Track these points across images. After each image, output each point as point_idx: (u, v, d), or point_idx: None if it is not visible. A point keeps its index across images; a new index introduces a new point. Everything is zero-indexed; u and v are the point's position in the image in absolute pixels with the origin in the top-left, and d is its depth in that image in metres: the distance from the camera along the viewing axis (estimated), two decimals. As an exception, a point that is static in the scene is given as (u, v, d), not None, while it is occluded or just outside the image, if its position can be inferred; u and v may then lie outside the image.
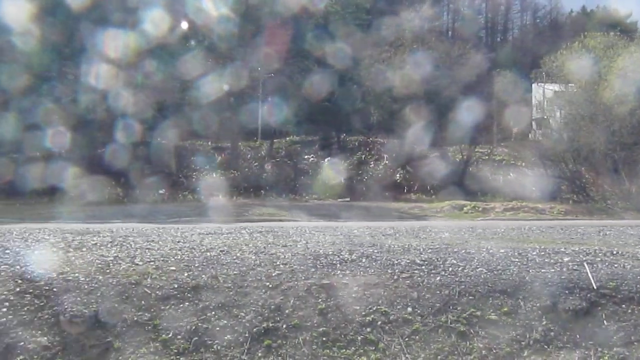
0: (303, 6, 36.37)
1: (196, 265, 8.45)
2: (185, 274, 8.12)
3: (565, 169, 27.23)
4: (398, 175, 32.14)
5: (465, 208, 22.43)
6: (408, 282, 8.11)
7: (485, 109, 32.18)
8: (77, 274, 8.04)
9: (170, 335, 7.05)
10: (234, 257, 8.88)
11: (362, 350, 6.99)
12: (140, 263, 8.48)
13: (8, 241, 10.21)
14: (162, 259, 8.68)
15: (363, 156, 33.61)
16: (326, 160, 33.13)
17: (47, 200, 23.23)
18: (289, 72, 33.19)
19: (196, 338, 7.04)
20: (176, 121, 30.77)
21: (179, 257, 8.79)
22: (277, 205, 24.78)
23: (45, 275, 8.00)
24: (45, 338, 6.97)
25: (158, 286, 7.78)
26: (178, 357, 6.82)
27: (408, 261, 8.81)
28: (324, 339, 7.12)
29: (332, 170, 31.65)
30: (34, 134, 25.07)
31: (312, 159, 33.41)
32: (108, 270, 8.16)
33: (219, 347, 6.93)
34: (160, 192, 29.05)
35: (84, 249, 9.53)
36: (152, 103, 29.76)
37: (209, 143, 34.52)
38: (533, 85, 40.40)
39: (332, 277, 8.17)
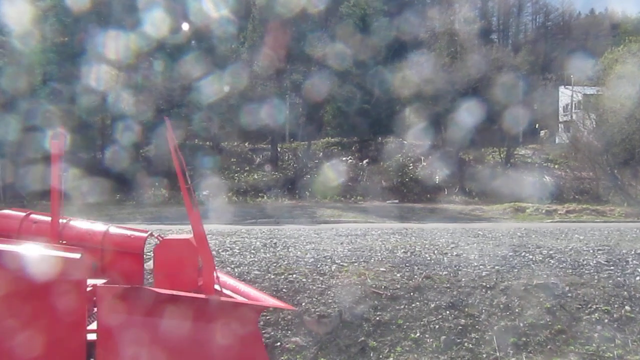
0: (337, 12, 36.79)
1: (400, 266, 8.68)
2: (398, 275, 8.35)
3: (609, 171, 27.80)
4: (437, 177, 32.53)
5: (527, 210, 22.77)
6: (610, 282, 8.43)
7: (513, 112, 32.82)
8: (294, 275, 8.22)
9: (418, 335, 7.28)
10: (426, 258, 9.12)
11: (604, 347, 7.28)
12: (344, 264, 8.68)
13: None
14: (362, 260, 8.90)
15: (401, 158, 33.90)
16: (364, 162, 33.52)
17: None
18: (328, 75, 33.41)
19: (444, 337, 7.27)
20: (211, 124, 30.87)
21: (377, 258, 9.00)
22: (333, 207, 24.94)
23: (264, 276, 8.18)
24: (298, 338, 7.16)
25: (382, 287, 7.99)
26: (436, 355, 7.05)
27: (594, 262, 9.13)
28: (563, 336, 7.41)
29: (372, 173, 32.04)
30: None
31: (350, 160, 33.69)
32: (322, 271, 8.35)
33: (470, 346, 7.18)
34: (204, 193, 29.18)
35: (261, 252, 9.70)
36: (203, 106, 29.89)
37: (246, 145, 34.65)
38: (560, 88, 41.20)
39: (537, 277, 8.45)
